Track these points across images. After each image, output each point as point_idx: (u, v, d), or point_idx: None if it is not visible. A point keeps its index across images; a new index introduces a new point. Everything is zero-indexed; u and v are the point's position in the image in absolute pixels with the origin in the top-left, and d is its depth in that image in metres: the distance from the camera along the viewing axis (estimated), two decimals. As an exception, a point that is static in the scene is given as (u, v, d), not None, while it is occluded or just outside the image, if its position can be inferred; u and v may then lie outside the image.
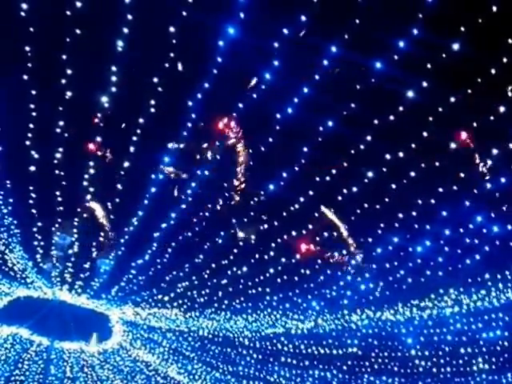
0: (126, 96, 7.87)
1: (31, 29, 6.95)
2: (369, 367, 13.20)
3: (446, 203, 8.92)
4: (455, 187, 8.58)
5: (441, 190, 8.69)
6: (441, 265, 10.39)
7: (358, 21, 6.80)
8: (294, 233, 9.92)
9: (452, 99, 7.28)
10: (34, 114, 8.25)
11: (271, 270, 10.81)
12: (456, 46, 6.62)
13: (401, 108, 7.37)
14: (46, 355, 15.00)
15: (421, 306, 11.44)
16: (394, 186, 8.62)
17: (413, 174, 8.29)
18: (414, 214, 9.23)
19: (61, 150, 8.96)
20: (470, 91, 7.10)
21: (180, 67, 7.50)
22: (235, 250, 10.66)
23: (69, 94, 7.77)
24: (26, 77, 7.57)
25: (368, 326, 12.26)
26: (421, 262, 10.35)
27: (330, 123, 7.77)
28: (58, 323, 13.89)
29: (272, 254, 10.42)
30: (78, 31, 6.88)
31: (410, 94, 7.25)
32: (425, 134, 7.71)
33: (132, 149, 8.77)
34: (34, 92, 7.88)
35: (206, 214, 9.96)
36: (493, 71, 6.71)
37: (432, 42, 6.77)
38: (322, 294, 11.54)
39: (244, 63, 7.55)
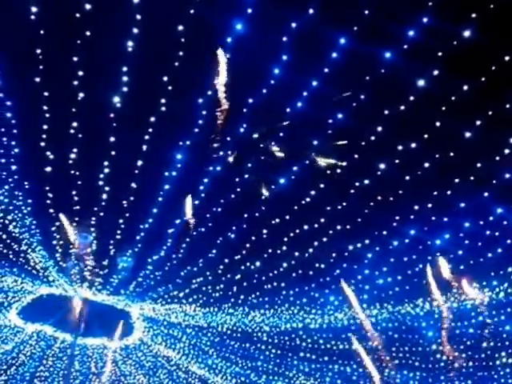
0: (137, 95, 7.91)
1: (42, 31, 7.05)
2: (389, 361, 13.03)
3: (463, 194, 8.71)
4: (472, 177, 8.37)
5: (457, 180, 8.48)
6: (461, 258, 10.17)
7: (366, 11, 6.68)
8: (305, 227, 9.83)
9: (465, 87, 7.07)
10: (47, 115, 8.37)
11: (284, 265, 10.77)
12: (467, 33, 6.44)
13: (412, 98, 7.21)
14: (69, 351, 15.27)
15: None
16: (407, 178, 8.45)
17: (427, 164, 8.12)
18: (429, 206, 9.04)
19: (75, 150, 9.07)
20: (483, 79, 6.89)
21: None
22: (248, 245, 10.65)
23: (81, 94, 7.86)
24: (38, 79, 7.69)
25: (387, 319, 12.12)
26: (440, 256, 10.16)
27: (340, 115, 7.66)
28: (82, 320, 14.12)
29: (285, 248, 10.37)
30: (88, 33, 6.96)
31: (421, 83, 7.08)
32: (438, 123, 7.52)
33: (144, 147, 8.82)
34: (46, 94, 7.99)
35: (219, 209, 9.96)
36: (506, 58, 6.50)
37: (442, 29, 6.59)
38: (339, 289, 11.45)
39: (253, 59, 7.50)
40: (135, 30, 6.91)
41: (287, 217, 9.75)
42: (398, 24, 6.81)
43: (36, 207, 10.82)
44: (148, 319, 14.68)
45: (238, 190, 9.44)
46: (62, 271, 12.92)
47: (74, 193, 10.08)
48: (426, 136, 7.65)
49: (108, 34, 7.16)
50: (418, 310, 11.73)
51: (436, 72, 6.96)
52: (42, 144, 8.94)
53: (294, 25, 6.97)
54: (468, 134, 7.65)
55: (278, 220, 9.90)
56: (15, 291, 13.96)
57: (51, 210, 10.75)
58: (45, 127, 8.60)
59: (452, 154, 7.77)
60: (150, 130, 8.46)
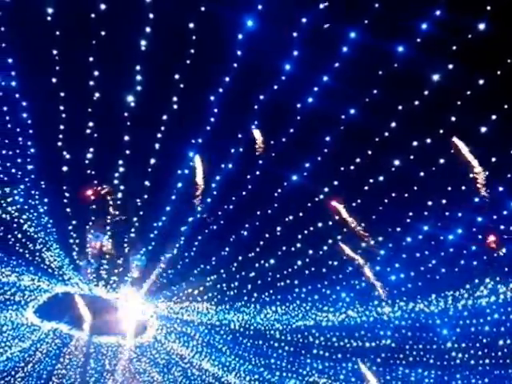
0: (150, 94, 7.96)
1: (57, 32, 7.13)
2: (403, 360, 12.94)
3: (477, 190, 8.61)
4: (487, 172, 8.28)
5: (472, 175, 8.39)
6: (475, 253, 10.07)
7: (377, 5, 6.64)
8: (319, 224, 9.80)
9: (480, 81, 7.00)
10: (63, 115, 8.46)
11: (299, 262, 10.74)
12: (481, 26, 6.37)
13: (426, 92, 7.15)
14: (85, 349, 15.39)
15: (455, 296, 11.14)
16: (422, 174, 8.38)
17: (442, 160, 8.04)
18: (444, 201, 8.96)
19: (91, 149, 9.14)
20: (498, 72, 6.81)
21: None
22: (261, 243, 10.64)
23: (96, 94, 7.93)
24: (54, 80, 7.77)
25: (401, 317, 12.03)
26: (454, 251, 10.06)
27: (353, 111, 7.62)
28: (96, 318, 14.22)
29: (298, 245, 10.34)
30: (102, 33, 7.02)
31: (436, 77, 7.02)
32: (453, 118, 7.45)
33: (157, 146, 8.86)
34: (62, 94, 8.08)
35: (232, 207, 9.97)
36: (522, 50, 6.42)
37: (456, 22, 6.53)
38: (351, 286, 11.39)
39: (264, 55, 7.50)
40: (148, 29, 6.97)
41: (300, 214, 9.73)
42: (410, 17, 6.77)
43: (52, 206, 10.92)
44: (161, 317, 14.74)
45: (251, 187, 9.44)
46: (77, 270, 13.03)
47: (89, 192, 10.16)
48: (440, 131, 7.59)
49: (122, 34, 7.23)
50: (432, 307, 11.62)
51: (450, 66, 6.91)
52: (59, 144, 9.03)
53: (304, 20, 6.95)
54: (483, 129, 7.57)
55: (291, 217, 9.89)
56: (31, 290, 14.10)
57: (67, 210, 10.84)
58: (61, 127, 8.69)
59: (468, 149, 7.69)
60: (163, 128, 8.50)
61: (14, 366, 16.46)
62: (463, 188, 8.62)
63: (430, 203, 8.94)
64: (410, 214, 9.35)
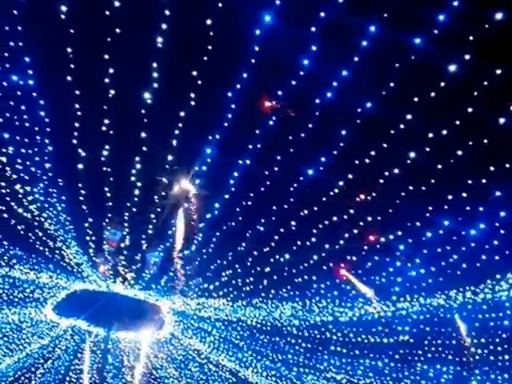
0: (167, 91, 7.98)
1: (72, 30, 7.18)
2: (422, 355, 12.85)
3: (499, 182, 8.47)
4: (508, 165, 8.13)
5: (492, 168, 8.25)
6: (496, 248, 9.92)
7: (394, -4, 6.56)
8: (334, 218, 9.75)
9: (498, 71, 6.88)
10: (79, 113, 8.53)
11: (315, 257, 10.70)
12: (499, 16, 6.25)
13: (443, 84, 7.05)
14: (103, 345, 15.57)
15: (475, 291, 11.01)
16: (440, 167, 8.27)
17: (460, 152, 7.92)
18: (464, 195, 8.83)
19: (107, 147, 9.21)
20: (517, 62, 6.68)
21: None
22: (277, 237, 10.62)
23: (112, 92, 7.98)
24: (69, 78, 7.84)
25: (419, 312, 11.93)
26: (475, 246, 9.93)
27: (369, 104, 7.55)
28: (114, 314, 14.37)
29: (314, 240, 10.30)
30: (117, 30, 7.05)
31: (453, 68, 6.91)
32: (470, 109, 7.34)
33: (174, 142, 8.90)
34: (78, 92, 8.14)
35: (248, 202, 9.97)
36: (541, 39, 6.29)
37: (473, 12, 6.42)
38: (370, 281, 11.32)
39: (281, 50, 7.47)
40: (164, 26, 6.98)
41: (316, 208, 9.68)
42: (427, 8, 6.67)
43: (70, 204, 11.05)
44: (178, 313, 14.84)
45: (267, 182, 9.43)
46: (95, 267, 13.18)
47: (106, 189, 10.24)
48: (458, 123, 7.47)
49: (138, 31, 7.25)
50: (452, 302, 11.50)
51: (468, 57, 6.79)
52: (74, 142, 9.11)
53: (322, 14, 6.90)
54: (502, 120, 7.43)
55: (306, 212, 9.85)
56: (50, 287, 14.30)
57: (84, 207, 10.95)
58: (77, 125, 8.76)
59: (486, 141, 7.56)
60: (180, 124, 8.52)
61: (33, 363, 16.75)
62: (484, 181, 8.48)
63: (450, 197, 8.81)
64: (430, 208, 9.22)
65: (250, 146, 8.80)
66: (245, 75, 7.54)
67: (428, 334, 12.30)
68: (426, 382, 13.22)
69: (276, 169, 9.12)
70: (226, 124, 8.36)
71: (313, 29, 6.94)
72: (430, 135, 7.75)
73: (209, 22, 6.97)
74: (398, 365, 13.25)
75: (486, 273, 10.54)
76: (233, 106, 8.08)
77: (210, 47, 7.23)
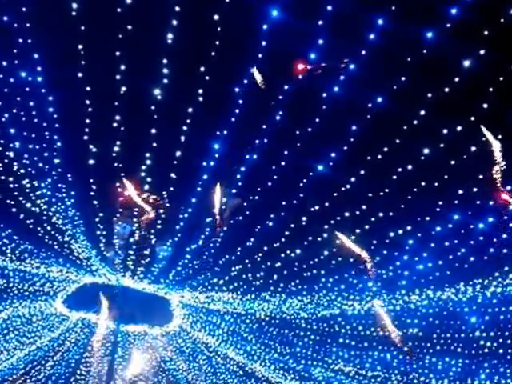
0: (176, 87, 7.96)
1: (83, 27, 7.16)
2: (430, 348, 12.86)
3: (510, 177, 8.41)
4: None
5: (504, 163, 8.18)
6: (505, 242, 9.89)
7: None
8: (346, 214, 9.73)
9: (513, 66, 6.80)
10: (90, 109, 8.51)
11: (325, 252, 10.70)
12: (515, 9, 6.16)
13: (457, 79, 6.98)
14: (112, 338, 15.67)
15: (484, 284, 10.99)
16: (452, 163, 8.22)
17: (473, 148, 7.87)
18: (475, 190, 8.79)
19: (118, 142, 9.21)
20: (533, 56, 6.59)
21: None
22: (287, 233, 10.62)
23: (123, 88, 7.96)
24: (80, 74, 7.82)
25: (428, 306, 11.93)
26: (484, 240, 9.91)
27: (380, 99, 7.49)
28: (123, 307, 14.44)
29: (325, 235, 10.29)
30: (129, 27, 7.02)
31: (467, 63, 6.84)
32: (484, 105, 7.26)
33: (183, 138, 8.88)
34: (88, 88, 8.12)
35: (257, 197, 9.96)
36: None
37: (487, 5, 6.33)
38: (378, 275, 11.30)
39: (289, 45, 7.41)
40: (174, 22, 6.95)
41: (327, 204, 9.66)
42: (439, 1, 6.59)
43: (79, 199, 11.07)
44: (187, 306, 14.91)
45: (276, 177, 9.40)
46: (105, 261, 13.23)
47: (116, 184, 10.26)
48: (472, 119, 7.40)
49: (148, 27, 7.22)
50: (460, 296, 11.49)
51: (482, 51, 6.71)
52: (85, 137, 9.11)
53: (329, 8, 6.83)
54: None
55: (317, 207, 9.83)
56: (60, 281, 14.38)
57: (94, 202, 10.98)
58: (87, 121, 8.76)
59: (499, 137, 7.49)
60: (189, 120, 8.50)
61: (44, 356, 16.87)
62: (494, 176, 8.42)
63: (460, 192, 8.78)
64: (440, 203, 9.19)
65: (258, 141, 8.76)
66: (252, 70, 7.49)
67: (437, 327, 12.30)
68: (435, 374, 13.25)
69: (284, 164, 9.10)
70: (233, 119, 8.34)
71: (320, 22, 6.88)
72: (444, 131, 7.69)
73: (217, 17, 6.94)
74: (407, 357, 13.26)
75: (495, 266, 10.51)
76: (240, 101, 8.05)
77: (217, 43, 7.19)
